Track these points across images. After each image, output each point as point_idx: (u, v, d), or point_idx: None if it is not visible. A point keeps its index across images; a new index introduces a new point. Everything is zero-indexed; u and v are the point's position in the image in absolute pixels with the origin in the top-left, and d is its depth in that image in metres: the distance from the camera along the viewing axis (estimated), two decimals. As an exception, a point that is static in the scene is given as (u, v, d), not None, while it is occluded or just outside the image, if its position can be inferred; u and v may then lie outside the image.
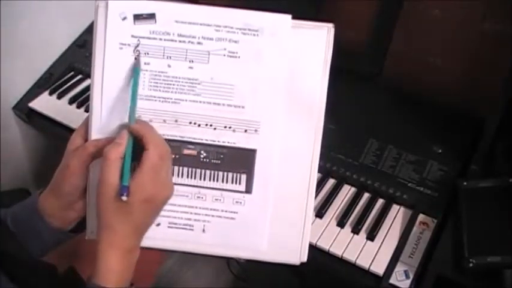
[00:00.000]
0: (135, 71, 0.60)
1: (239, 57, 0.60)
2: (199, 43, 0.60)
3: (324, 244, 0.85)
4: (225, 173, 0.63)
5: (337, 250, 0.84)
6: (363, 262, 0.82)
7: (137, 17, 0.60)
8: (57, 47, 1.22)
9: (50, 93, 1.16)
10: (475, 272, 0.75)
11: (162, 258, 1.16)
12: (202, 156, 0.62)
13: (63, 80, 1.18)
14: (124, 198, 0.54)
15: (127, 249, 0.57)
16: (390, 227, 0.88)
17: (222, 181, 0.63)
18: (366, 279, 0.82)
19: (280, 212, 0.63)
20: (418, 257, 0.82)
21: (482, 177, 0.87)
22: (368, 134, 0.99)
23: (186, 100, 0.61)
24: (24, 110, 1.15)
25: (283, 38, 0.60)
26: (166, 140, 0.59)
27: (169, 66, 0.61)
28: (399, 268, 0.81)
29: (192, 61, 0.60)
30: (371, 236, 0.85)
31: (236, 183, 0.63)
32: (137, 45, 0.60)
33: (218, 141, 0.62)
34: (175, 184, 0.61)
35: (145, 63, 0.60)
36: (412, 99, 1.04)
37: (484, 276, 0.77)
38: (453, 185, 0.87)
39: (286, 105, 0.61)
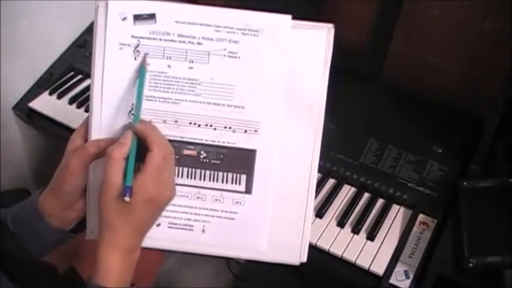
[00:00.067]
0: (140, 71, 0.60)
1: (239, 57, 0.60)
2: (199, 43, 0.60)
3: (324, 244, 0.85)
4: (225, 173, 0.63)
5: (337, 250, 0.84)
6: (363, 262, 0.82)
7: (137, 17, 0.60)
8: (57, 47, 1.22)
9: (50, 93, 1.16)
10: (475, 272, 0.75)
11: (163, 258, 1.16)
12: (202, 156, 0.62)
13: (63, 80, 1.18)
14: (127, 198, 0.54)
15: (128, 250, 0.57)
16: (390, 227, 0.88)
17: (222, 181, 0.63)
18: (366, 279, 0.82)
19: (280, 212, 0.63)
20: (418, 257, 0.82)
21: (482, 177, 0.87)
22: (368, 134, 0.99)
23: (186, 100, 0.61)
24: (24, 110, 1.15)
25: (283, 38, 0.60)
26: (166, 140, 0.59)
27: (169, 66, 0.61)
28: (399, 268, 0.81)
29: (192, 61, 0.60)
30: (371, 236, 0.85)
31: (236, 183, 0.63)
32: (137, 46, 0.60)
33: (218, 142, 0.62)
34: (176, 184, 0.61)
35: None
36: (412, 99, 1.04)
37: (484, 276, 0.77)
38: (453, 185, 0.87)
39: (286, 105, 0.61)
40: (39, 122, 1.14)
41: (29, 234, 0.62)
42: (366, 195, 0.93)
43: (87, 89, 1.10)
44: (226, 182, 0.63)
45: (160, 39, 0.60)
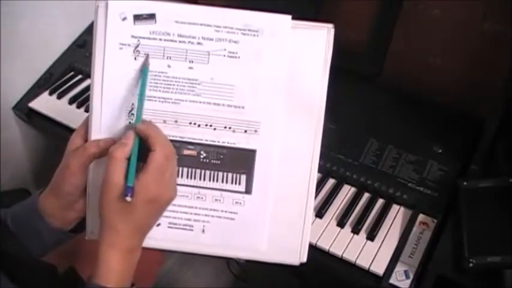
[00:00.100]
0: (143, 71, 0.60)
1: (239, 57, 0.60)
2: (199, 43, 0.60)
3: (324, 244, 0.85)
4: (225, 174, 0.63)
5: (337, 250, 0.84)
6: (363, 262, 0.82)
7: (137, 17, 0.60)
8: (57, 47, 1.22)
9: (50, 93, 1.16)
10: (475, 272, 0.75)
11: (163, 258, 1.16)
12: (202, 156, 0.62)
13: (63, 80, 1.18)
14: (128, 198, 0.54)
15: (128, 250, 0.57)
16: (390, 227, 0.88)
17: (222, 181, 0.63)
18: (366, 279, 0.82)
19: (280, 212, 0.63)
20: (418, 257, 0.82)
21: (482, 177, 0.87)
22: (368, 134, 0.99)
23: (186, 100, 0.61)
24: (24, 110, 1.15)
25: (283, 39, 0.60)
26: (166, 140, 0.59)
27: (169, 66, 0.61)
28: (399, 268, 0.81)
29: (192, 61, 0.60)
30: (371, 236, 0.85)
31: (236, 183, 0.63)
32: (137, 46, 0.60)
33: (218, 142, 0.62)
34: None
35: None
36: (412, 99, 1.04)
37: (484, 276, 0.77)
38: (453, 185, 0.87)
39: (286, 105, 0.61)
40: (39, 122, 1.14)
41: (29, 234, 0.62)
42: (366, 195, 0.93)
43: (87, 89, 1.10)
44: (226, 182, 0.63)
45: (160, 39, 0.60)
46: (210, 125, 0.62)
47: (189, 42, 0.60)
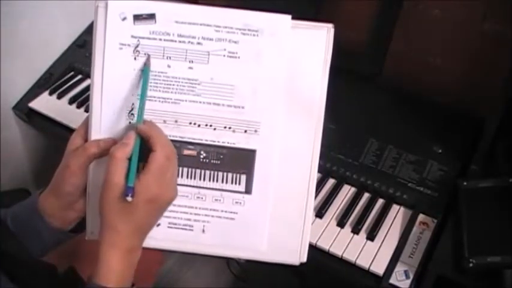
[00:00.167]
0: (144, 71, 0.60)
1: (239, 57, 0.60)
2: (199, 43, 0.60)
3: (324, 244, 0.85)
4: (225, 174, 0.63)
5: (337, 250, 0.84)
6: (363, 262, 0.82)
7: (137, 17, 0.60)
8: (57, 47, 1.22)
9: (50, 93, 1.16)
10: (475, 272, 0.75)
11: (163, 258, 1.16)
12: (202, 156, 0.62)
13: (63, 80, 1.18)
14: (129, 198, 0.54)
15: (129, 250, 0.57)
16: (390, 227, 0.88)
17: (222, 181, 0.63)
18: (366, 279, 0.82)
19: (280, 212, 0.63)
20: (418, 257, 0.82)
21: (482, 177, 0.87)
22: (368, 134, 0.99)
23: (185, 100, 0.61)
24: (24, 110, 1.15)
25: (283, 38, 0.60)
26: (166, 140, 0.59)
27: (169, 66, 0.61)
28: (399, 268, 0.81)
29: (192, 61, 0.60)
30: (371, 236, 0.85)
31: (236, 183, 0.63)
32: (137, 46, 0.60)
33: (218, 142, 0.62)
34: (175, 184, 0.61)
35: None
36: (412, 99, 1.04)
37: (484, 276, 0.77)
38: (453, 185, 0.87)
39: (286, 105, 0.61)
40: (39, 122, 1.14)
41: (29, 234, 0.62)
42: (366, 195, 0.93)
43: (87, 89, 1.10)
44: (226, 182, 0.63)
45: (160, 39, 0.60)
46: (210, 125, 0.62)
47: (189, 42, 0.60)
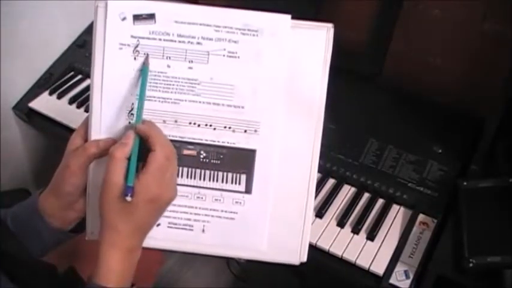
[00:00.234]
0: (143, 71, 0.60)
1: (239, 57, 0.60)
2: (198, 43, 0.60)
3: (324, 244, 0.85)
4: (225, 173, 0.63)
5: (337, 250, 0.84)
6: (363, 262, 0.82)
7: (137, 17, 0.60)
8: (57, 47, 1.22)
9: (50, 93, 1.16)
10: (475, 272, 0.75)
11: (163, 258, 1.16)
12: (202, 156, 0.62)
13: (63, 80, 1.18)
14: (128, 198, 0.54)
15: (129, 250, 0.57)
16: (390, 227, 0.88)
17: (222, 181, 0.63)
18: (366, 279, 0.82)
19: (280, 212, 0.63)
20: (418, 257, 0.82)
21: (482, 177, 0.87)
22: (368, 134, 0.99)
23: (185, 100, 0.61)
24: (24, 110, 1.15)
25: (283, 38, 0.60)
26: (166, 140, 0.59)
27: (168, 66, 0.61)
28: (399, 268, 0.81)
29: (192, 61, 0.60)
30: (371, 236, 0.85)
31: (236, 183, 0.63)
32: (137, 46, 0.60)
33: (218, 142, 0.62)
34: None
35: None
36: (412, 99, 1.04)
37: (484, 276, 0.77)
38: (453, 185, 0.87)
39: (286, 105, 0.61)
40: (39, 122, 1.14)
41: (29, 234, 0.62)
42: (366, 195, 0.93)
43: (87, 89, 1.10)
44: (226, 182, 0.63)
45: (160, 39, 0.60)
46: (210, 125, 0.62)
47: (189, 42, 0.60)
